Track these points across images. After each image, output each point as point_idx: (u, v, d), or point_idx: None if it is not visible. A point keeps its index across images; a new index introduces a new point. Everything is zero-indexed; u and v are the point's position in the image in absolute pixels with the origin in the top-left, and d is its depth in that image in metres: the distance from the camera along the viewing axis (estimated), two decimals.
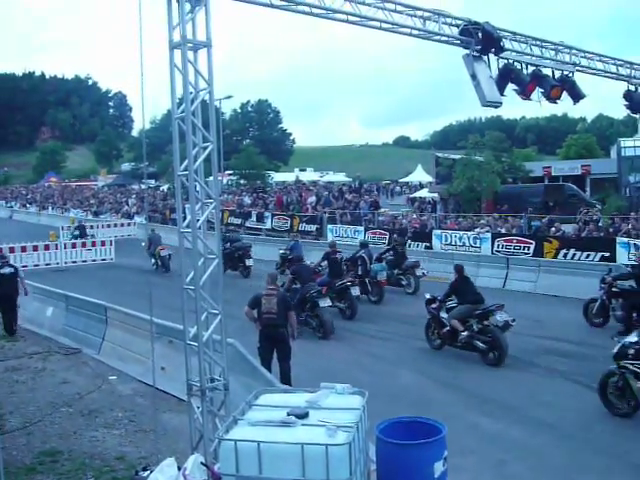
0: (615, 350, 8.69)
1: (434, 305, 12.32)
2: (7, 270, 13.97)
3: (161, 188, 54.39)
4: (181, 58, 6.13)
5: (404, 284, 17.99)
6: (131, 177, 79.49)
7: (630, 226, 19.95)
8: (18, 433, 8.46)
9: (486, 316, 11.37)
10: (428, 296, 12.71)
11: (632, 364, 8.41)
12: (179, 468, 5.50)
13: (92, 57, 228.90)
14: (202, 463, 5.36)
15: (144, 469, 6.50)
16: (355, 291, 15.09)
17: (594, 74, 11.19)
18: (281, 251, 20.74)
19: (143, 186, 56.27)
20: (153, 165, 73.32)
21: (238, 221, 33.27)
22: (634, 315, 12.95)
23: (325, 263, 15.93)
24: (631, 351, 8.48)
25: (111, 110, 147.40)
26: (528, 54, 9.99)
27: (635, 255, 16.57)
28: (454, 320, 11.60)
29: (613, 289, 13.56)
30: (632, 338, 8.71)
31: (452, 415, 8.14)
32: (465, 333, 11.46)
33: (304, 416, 4.57)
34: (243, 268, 21.14)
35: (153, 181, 64.43)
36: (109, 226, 33.96)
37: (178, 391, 8.99)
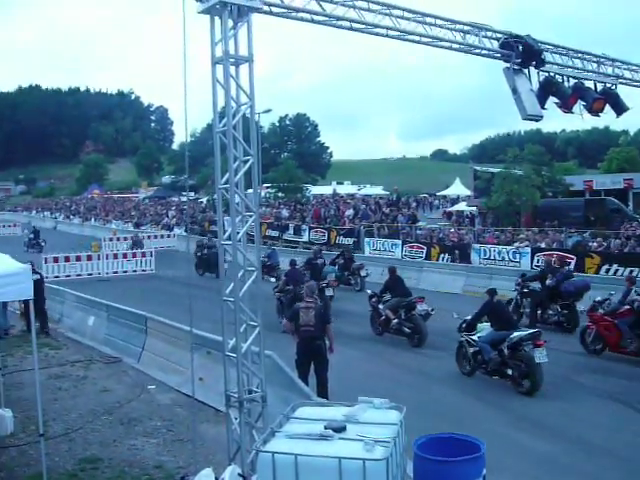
0: (457, 325, 11.80)
1: (374, 299, 14.78)
2: (35, 277, 14.58)
3: (200, 200, 55.04)
4: (223, 73, 6.25)
5: (352, 283, 21.34)
6: (171, 189, 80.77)
7: None
8: (60, 439, 8.64)
9: (411, 307, 13.86)
10: (369, 292, 15.45)
11: (466, 334, 11.53)
12: (216, 479, 5.54)
13: (135, 72, 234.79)
14: (239, 474, 5.39)
15: (182, 479, 6.57)
16: (329, 292, 16.79)
17: (637, 86, 10.98)
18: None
19: (183, 198, 57.00)
20: (193, 178, 74.28)
21: (276, 234, 33.37)
22: (539, 311, 15.05)
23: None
24: (464, 325, 11.65)
25: (153, 124, 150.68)
26: (569, 67, 9.86)
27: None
28: (387, 310, 14.22)
29: (524, 290, 15.52)
30: (468, 317, 11.63)
31: (487, 430, 8.02)
32: (395, 321, 14.01)
33: (342, 430, 4.57)
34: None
35: (193, 193, 65.17)
36: (149, 238, 34.49)
37: (216, 402, 9.07)
